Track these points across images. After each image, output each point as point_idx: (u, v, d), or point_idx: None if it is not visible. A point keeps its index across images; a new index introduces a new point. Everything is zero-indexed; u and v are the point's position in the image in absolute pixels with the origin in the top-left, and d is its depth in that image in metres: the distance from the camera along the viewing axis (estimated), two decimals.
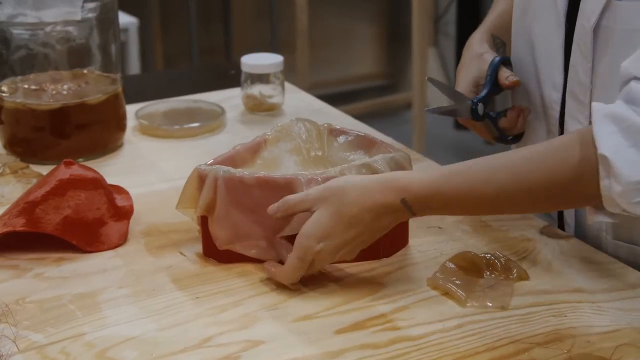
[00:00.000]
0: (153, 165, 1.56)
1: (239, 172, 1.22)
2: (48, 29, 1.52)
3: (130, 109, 1.69)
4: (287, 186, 1.20)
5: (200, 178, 1.24)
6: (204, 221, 1.26)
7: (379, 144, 1.31)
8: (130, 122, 1.68)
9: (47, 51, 1.55)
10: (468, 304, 1.15)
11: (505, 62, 1.35)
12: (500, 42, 1.40)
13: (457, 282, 1.19)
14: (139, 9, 3.70)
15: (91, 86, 1.57)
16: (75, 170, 1.31)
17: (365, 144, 1.33)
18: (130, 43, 3.29)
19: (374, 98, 4.60)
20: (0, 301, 1.16)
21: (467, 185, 1.09)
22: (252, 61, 1.72)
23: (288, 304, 1.16)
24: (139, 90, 1.86)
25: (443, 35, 4.52)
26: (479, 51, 1.35)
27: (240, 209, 1.22)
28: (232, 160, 1.29)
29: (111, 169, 1.54)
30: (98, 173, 1.34)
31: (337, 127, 1.35)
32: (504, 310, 1.14)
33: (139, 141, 1.65)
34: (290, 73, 4.28)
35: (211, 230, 1.24)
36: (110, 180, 1.45)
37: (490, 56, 1.33)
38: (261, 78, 1.72)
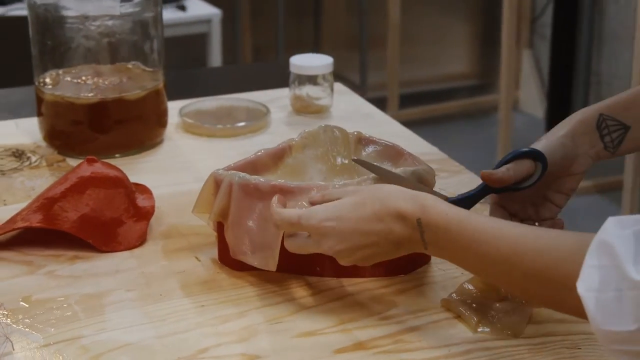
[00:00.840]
0: (189, 164, 1.54)
1: (254, 178, 1.19)
2: (91, 22, 1.51)
3: (177, 105, 1.68)
4: (303, 195, 1.16)
5: (216, 183, 1.22)
6: (219, 227, 1.23)
7: (406, 156, 1.27)
8: (175, 118, 1.66)
9: (90, 44, 1.54)
10: (479, 330, 1.10)
11: (534, 156, 1.17)
12: (617, 125, 1.19)
13: (473, 304, 1.14)
14: (226, 0, 3.70)
15: (133, 81, 1.56)
16: (97, 168, 1.29)
17: (393, 155, 1.29)
18: (212, 34, 3.29)
19: (464, 98, 4.53)
20: (11, 297, 1.15)
21: (477, 244, 1.00)
22: (300, 62, 1.69)
23: (293, 318, 1.13)
24: (197, 86, 1.85)
25: (539, 37, 4.42)
26: (555, 132, 1.20)
27: (254, 217, 1.19)
28: (252, 165, 1.26)
29: (146, 166, 1.53)
30: (121, 172, 1.32)
31: (367, 136, 1.31)
32: (516, 338, 1.09)
33: (180, 139, 1.64)
34: (379, 69, 4.26)
35: (226, 238, 1.21)
36: (142, 177, 1.44)
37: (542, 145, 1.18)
38: (310, 79, 1.68)
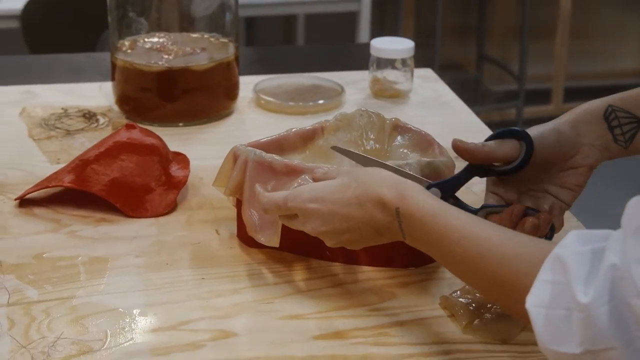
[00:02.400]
0: (249, 138, 1.51)
1: (269, 156, 1.18)
2: None
3: (256, 80, 1.69)
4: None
5: (234, 158, 1.21)
6: (239, 203, 1.23)
7: (435, 147, 1.23)
8: (252, 93, 1.67)
9: (167, 14, 1.56)
10: (469, 331, 1.06)
11: (519, 136, 1.10)
12: (629, 117, 1.11)
13: (472, 305, 1.10)
14: None
15: (206, 52, 1.57)
16: (134, 134, 1.32)
17: (424, 145, 1.25)
18: (362, 12, 3.27)
19: None
20: (24, 252, 1.19)
21: (448, 242, 0.96)
22: (380, 45, 1.66)
23: (284, 300, 1.12)
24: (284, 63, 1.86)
25: None
26: (556, 119, 1.13)
27: None
28: (278, 144, 1.25)
29: (205, 137, 1.54)
30: (159, 139, 1.34)
31: (403, 123, 1.28)
32: (505, 344, 1.05)
33: (249, 113, 1.64)
34: (543, 60, 4.15)
35: (242, 214, 1.21)
36: (196, 147, 1.45)
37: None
38: (387, 63, 1.66)
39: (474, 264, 0.94)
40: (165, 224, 1.28)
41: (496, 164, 1.13)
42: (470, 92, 4.11)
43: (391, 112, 1.63)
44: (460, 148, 1.11)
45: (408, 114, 1.60)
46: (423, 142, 1.25)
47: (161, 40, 1.58)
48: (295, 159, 1.21)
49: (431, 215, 0.97)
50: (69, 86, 1.73)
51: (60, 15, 2.97)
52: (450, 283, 1.15)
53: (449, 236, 0.96)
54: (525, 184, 1.14)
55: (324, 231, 1.06)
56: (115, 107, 1.61)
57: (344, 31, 3.63)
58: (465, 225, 0.95)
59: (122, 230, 1.26)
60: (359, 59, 1.82)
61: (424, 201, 0.99)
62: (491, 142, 1.12)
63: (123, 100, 1.59)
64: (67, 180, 1.29)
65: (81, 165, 1.29)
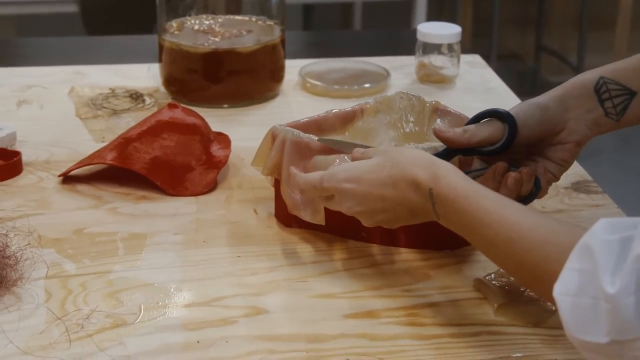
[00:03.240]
0: (291, 120, 1.54)
1: (307, 136, 1.19)
2: None
3: (303, 63, 1.69)
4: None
5: (273, 137, 1.22)
6: (277, 182, 1.24)
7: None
8: (298, 76, 1.67)
9: None
10: (501, 314, 1.06)
11: (501, 117, 1.09)
12: (620, 89, 1.10)
13: (505, 287, 1.10)
14: None
15: (253, 34, 1.58)
16: (176, 114, 1.33)
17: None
18: (419, 0, 3.26)
19: None
20: (65, 227, 1.21)
21: (479, 225, 0.95)
22: (427, 29, 1.66)
23: (318, 279, 1.12)
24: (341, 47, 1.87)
25: None
26: (545, 94, 1.12)
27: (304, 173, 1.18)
28: (317, 124, 1.25)
29: (249, 119, 1.55)
30: (201, 118, 1.35)
31: (443, 106, 1.27)
32: (536, 327, 1.04)
33: (295, 96, 1.65)
34: (603, 52, 4.10)
35: (282, 193, 1.21)
36: (239, 129, 1.46)
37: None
38: (433, 48, 1.65)
39: (505, 247, 0.93)
40: (205, 203, 1.29)
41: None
42: (527, 83, 4.08)
43: (436, 96, 1.61)
44: (440, 136, 1.11)
45: (453, 99, 1.59)
46: (461, 124, 1.25)
47: (208, 22, 1.59)
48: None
49: (464, 197, 0.97)
50: (117, 67, 1.75)
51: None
52: (484, 266, 1.15)
53: (481, 219, 0.95)
54: (513, 157, 1.12)
55: (359, 211, 1.06)
56: (162, 88, 1.63)
57: (400, 19, 3.62)
58: (497, 208, 0.95)
59: (161, 208, 1.27)
60: (408, 44, 1.82)
61: (457, 182, 0.98)
62: (472, 127, 1.11)
63: (170, 81, 1.60)
64: (110, 158, 1.30)
65: (123, 143, 1.31)
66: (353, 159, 1.11)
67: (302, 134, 1.20)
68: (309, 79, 1.65)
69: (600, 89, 1.10)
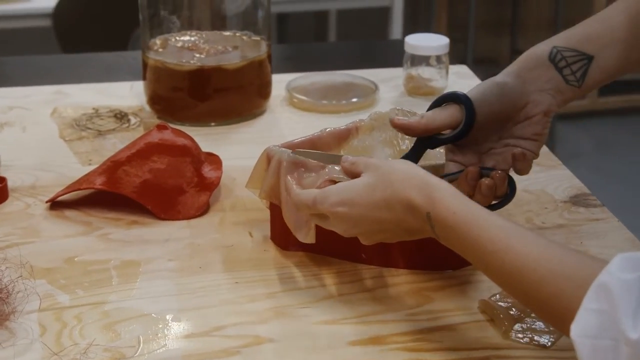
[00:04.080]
0: (282, 138, 1.49)
1: (303, 157, 1.16)
2: None
3: (288, 78, 1.66)
4: None
5: (268, 158, 1.19)
6: (272, 204, 1.21)
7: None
8: (284, 91, 1.64)
9: (198, 11, 1.54)
10: (510, 336, 1.04)
11: (457, 100, 1.08)
12: (576, 55, 1.09)
13: (512, 309, 1.07)
14: None
15: (238, 50, 1.55)
16: (166, 135, 1.30)
17: None
18: (395, 7, 3.24)
19: None
20: (55, 256, 1.17)
21: (483, 252, 0.92)
22: (415, 41, 1.63)
23: (320, 304, 1.10)
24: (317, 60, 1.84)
25: None
26: (502, 73, 1.10)
27: None
28: (312, 144, 1.22)
29: (238, 137, 1.52)
30: (191, 139, 1.32)
31: None
32: (546, 349, 1.02)
33: (282, 112, 1.62)
34: None
35: (283, 216, 1.18)
36: (229, 147, 1.43)
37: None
38: (421, 60, 1.63)
39: (512, 278, 0.90)
40: (198, 227, 1.26)
41: (443, 132, 1.10)
42: None
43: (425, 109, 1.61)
44: (397, 125, 1.09)
45: None
46: None
47: (193, 38, 1.56)
48: None
49: (464, 223, 0.94)
50: (100, 86, 1.72)
51: (92, 13, 2.96)
52: (489, 286, 1.12)
53: (484, 247, 0.92)
54: (484, 145, 1.11)
55: (356, 233, 1.04)
56: (147, 107, 1.60)
57: (376, 27, 3.61)
58: (502, 237, 0.91)
59: (154, 233, 1.24)
60: (391, 55, 1.80)
61: (455, 207, 0.95)
62: (429, 113, 1.09)
63: (154, 99, 1.57)
64: (99, 183, 1.27)
65: (112, 167, 1.28)
66: (343, 169, 1.08)
67: (297, 155, 1.17)
68: (296, 94, 1.62)
69: (555, 58, 1.10)
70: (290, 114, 1.61)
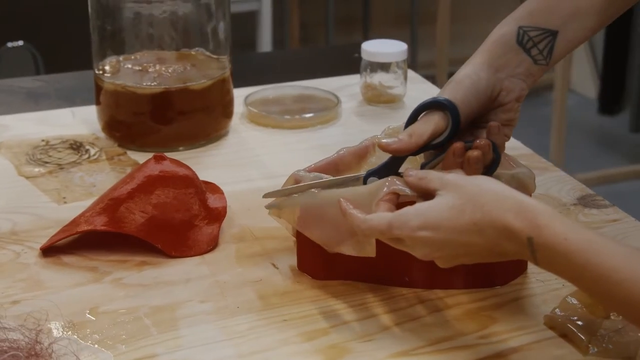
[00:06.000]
0: (256, 158, 1.45)
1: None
2: (153, 5, 1.42)
3: (241, 93, 1.58)
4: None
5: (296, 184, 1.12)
6: (299, 232, 1.14)
7: (502, 156, 1.16)
8: (240, 107, 1.57)
9: (152, 29, 1.45)
10: (590, 352, 1.01)
11: (441, 107, 1.05)
12: (542, 33, 1.08)
13: (578, 322, 1.04)
14: None
15: (197, 69, 1.47)
16: (166, 166, 1.20)
17: None
18: (263, 12, 3.18)
19: None
20: (76, 309, 1.07)
21: (603, 281, 0.87)
22: (373, 48, 1.58)
23: (383, 335, 1.04)
24: (251, 71, 1.76)
25: None
26: (468, 64, 1.08)
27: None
28: (335, 165, 1.16)
29: (211, 160, 1.43)
30: (190, 169, 1.23)
31: None
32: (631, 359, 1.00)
33: (245, 130, 1.54)
34: (429, 46, 4.14)
35: (313, 237, 1.11)
36: (208, 173, 1.35)
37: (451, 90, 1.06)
38: (383, 67, 1.58)
39: (635, 308, 0.86)
40: (214, 262, 1.17)
41: None
42: None
43: (391, 118, 1.57)
44: (388, 149, 1.05)
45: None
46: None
47: (147, 58, 1.46)
48: None
49: (578, 251, 0.88)
50: (36, 115, 1.59)
51: None
52: (543, 299, 1.10)
53: (608, 276, 0.87)
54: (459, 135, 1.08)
55: (437, 256, 0.98)
56: (102, 134, 1.49)
57: (247, 31, 3.53)
58: (626, 264, 0.86)
59: (170, 274, 1.15)
60: (331, 63, 1.75)
61: (565, 233, 0.89)
62: (416, 128, 1.05)
63: (112, 126, 1.46)
64: (100, 223, 1.17)
65: (113, 205, 1.18)
66: (409, 184, 1.02)
67: (332, 178, 1.10)
68: (255, 109, 1.55)
69: (523, 40, 1.08)
70: (254, 131, 1.53)
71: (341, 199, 1.04)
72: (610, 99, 4.18)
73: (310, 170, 1.13)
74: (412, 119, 1.07)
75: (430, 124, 1.05)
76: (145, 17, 1.43)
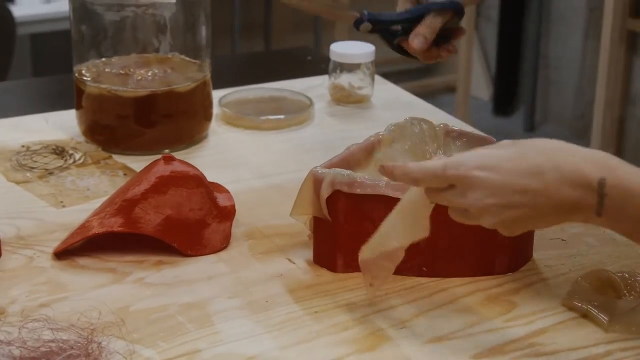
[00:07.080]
0: (243, 159, 1.47)
1: (359, 176, 1.13)
2: (133, 8, 1.43)
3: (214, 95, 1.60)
4: None
5: (315, 182, 1.15)
6: (317, 226, 1.17)
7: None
8: (215, 109, 1.58)
9: (131, 33, 1.45)
10: (611, 329, 1.06)
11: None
12: None
13: (594, 303, 1.10)
14: None
15: (177, 72, 1.48)
16: (176, 167, 1.22)
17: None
18: None
19: (413, 80, 4.50)
20: (108, 308, 1.07)
21: None
22: (342, 49, 1.62)
23: (416, 322, 1.07)
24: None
25: (484, 19, 4.41)
26: None
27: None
28: (346, 162, 1.19)
29: (197, 162, 1.42)
30: (198, 170, 1.24)
31: (453, 127, 1.25)
32: None
33: (223, 132, 1.56)
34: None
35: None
36: None
37: None
38: (351, 68, 1.62)
39: None
40: (230, 259, 1.19)
41: None
42: None
43: (361, 117, 1.62)
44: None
45: (380, 118, 1.56)
46: (484, 144, 1.23)
47: (126, 62, 1.47)
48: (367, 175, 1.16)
49: None
50: (7, 121, 1.57)
51: None
52: (555, 283, 1.15)
53: None
54: None
55: (489, 204, 0.93)
56: (82, 139, 1.48)
57: None
58: None
59: (190, 272, 1.16)
60: (282, 63, 1.78)
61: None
62: (427, 26, 1.26)
63: (95, 130, 1.46)
64: (117, 225, 1.17)
65: (127, 207, 1.18)
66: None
67: (352, 173, 1.14)
68: (231, 111, 1.57)
69: None
70: (232, 133, 1.55)
71: (382, 164, 1.01)
72: (504, 100, 4.31)
73: (326, 167, 1.16)
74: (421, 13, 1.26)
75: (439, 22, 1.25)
76: (122, 21, 1.44)
